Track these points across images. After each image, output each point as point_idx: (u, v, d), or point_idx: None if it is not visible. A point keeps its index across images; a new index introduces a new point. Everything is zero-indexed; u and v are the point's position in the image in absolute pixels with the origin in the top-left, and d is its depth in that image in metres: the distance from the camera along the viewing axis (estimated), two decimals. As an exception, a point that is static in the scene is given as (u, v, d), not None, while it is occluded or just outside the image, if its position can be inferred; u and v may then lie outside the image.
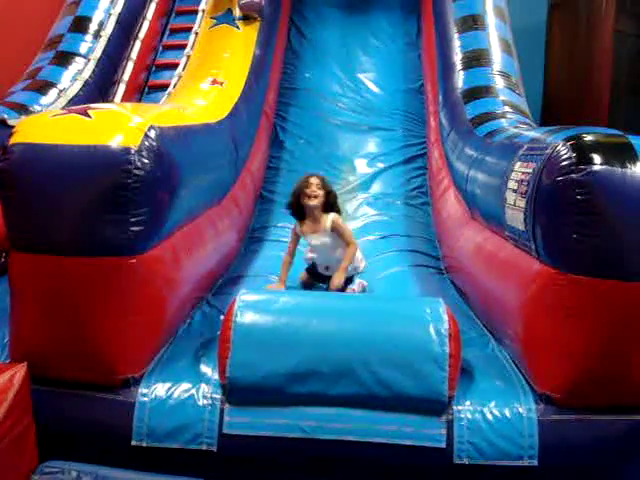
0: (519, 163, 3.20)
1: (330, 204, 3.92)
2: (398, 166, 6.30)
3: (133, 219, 2.75)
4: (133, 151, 2.72)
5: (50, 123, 2.85)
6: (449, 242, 4.94)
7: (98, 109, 2.94)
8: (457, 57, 5.98)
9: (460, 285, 4.35)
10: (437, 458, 2.81)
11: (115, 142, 2.72)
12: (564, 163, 2.69)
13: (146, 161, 2.75)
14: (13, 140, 2.80)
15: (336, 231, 3.98)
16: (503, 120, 4.73)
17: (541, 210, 2.84)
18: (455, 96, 5.59)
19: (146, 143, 2.80)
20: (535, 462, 2.80)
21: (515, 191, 3.15)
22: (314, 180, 3.86)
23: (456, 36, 6.21)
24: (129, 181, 2.70)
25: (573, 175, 2.65)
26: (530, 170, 2.98)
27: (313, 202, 3.85)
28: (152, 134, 2.86)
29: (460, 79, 5.72)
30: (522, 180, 3.07)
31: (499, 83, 5.51)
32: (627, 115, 7.91)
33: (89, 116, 2.85)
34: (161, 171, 2.88)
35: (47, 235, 2.76)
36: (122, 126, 2.82)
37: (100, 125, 2.80)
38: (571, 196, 2.65)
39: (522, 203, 3.02)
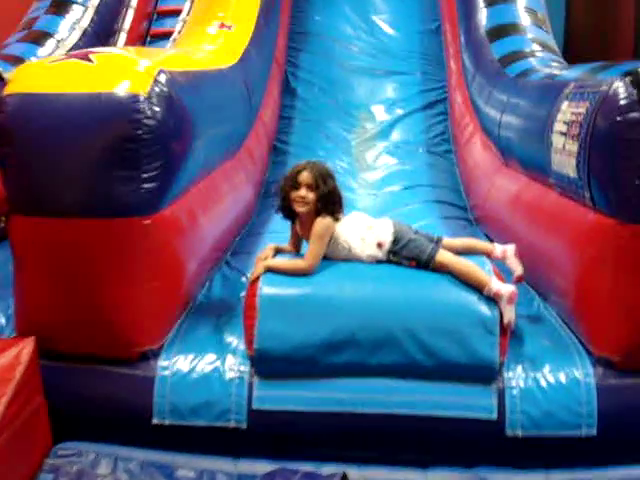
0: (566, 103, 2.98)
1: (324, 206, 2.83)
2: (418, 112, 6.00)
3: (145, 175, 2.54)
4: (142, 98, 2.50)
5: (49, 70, 2.64)
6: (479, 191, 4.74)
7: (101, 53, 2.71)
8: (479, -7, 5.69)
9: (494, 237, 4.13)
10: (487, 430, 2.65)
11: (122, 89, 2.51)
12: (623, 101, 2.50)
13: (157, 109, 2.53)
14: (8, 90, 2.59)
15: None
16: (533, 59, 4.49)
17: (598, 154, 2.63)
18: (479, 35, 5.32)
19: (156, 89, 2.57)
20: (594, 432, 2.64)
21: (564, 134, 2.93)
22: (305, 178, 2.81)
23: (477, -29, 5.89)
24: (139, 132, 2.48)
25: (634, 114, 2.47)
26: (582, 110, 2.76)
27: (301, 209, 2.85)
28: (162, 79, 2.64)
29: (484, 17, 5.44)
30: (573, 121, 2.85)
31: (525, 20, 5.24)
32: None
33: (91, 61, 2.62)
34: (174, 120, 2.66)
35: (50, 196, 2.58)
36: (129, 71, 2.59)
37: (104, 70, 2.58)
38: (633, 137, 2.47)
39: (574, 147, 2.80)
